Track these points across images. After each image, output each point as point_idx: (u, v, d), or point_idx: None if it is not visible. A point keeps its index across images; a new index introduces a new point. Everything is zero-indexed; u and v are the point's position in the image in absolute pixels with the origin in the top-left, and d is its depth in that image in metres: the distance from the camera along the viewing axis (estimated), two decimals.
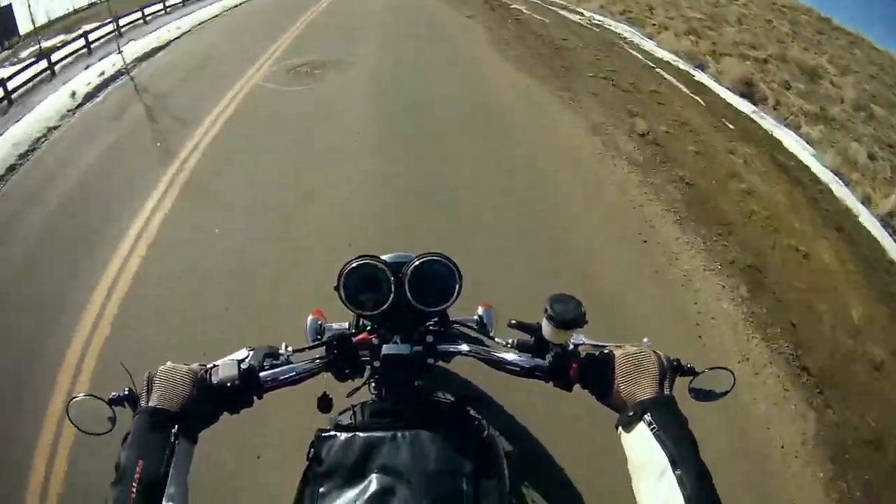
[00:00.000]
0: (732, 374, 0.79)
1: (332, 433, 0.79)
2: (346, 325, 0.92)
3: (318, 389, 0.89)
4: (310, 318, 0.91)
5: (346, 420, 0.87)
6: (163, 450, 0.67)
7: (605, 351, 0.79)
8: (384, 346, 0.85)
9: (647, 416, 0.68)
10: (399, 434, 0.76)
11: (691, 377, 0.79)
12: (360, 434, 0.77)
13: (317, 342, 0.90)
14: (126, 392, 0.75)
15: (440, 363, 0.91)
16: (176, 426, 0.70)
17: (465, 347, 0.89)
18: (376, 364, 0.86)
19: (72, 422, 0.76)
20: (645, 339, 0.80)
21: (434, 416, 0.84)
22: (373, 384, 0.92)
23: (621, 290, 3.34)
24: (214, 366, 0.81)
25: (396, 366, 0.84)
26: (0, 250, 4.27)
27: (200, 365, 0.81)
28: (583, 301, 0.79)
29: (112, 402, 0.75)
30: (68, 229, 4.45)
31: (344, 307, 0.88)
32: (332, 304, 0.96)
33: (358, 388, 0.92)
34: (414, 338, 0.87)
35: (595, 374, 0.78)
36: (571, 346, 0.81)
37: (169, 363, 0.78)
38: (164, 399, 0.73)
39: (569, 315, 0.77)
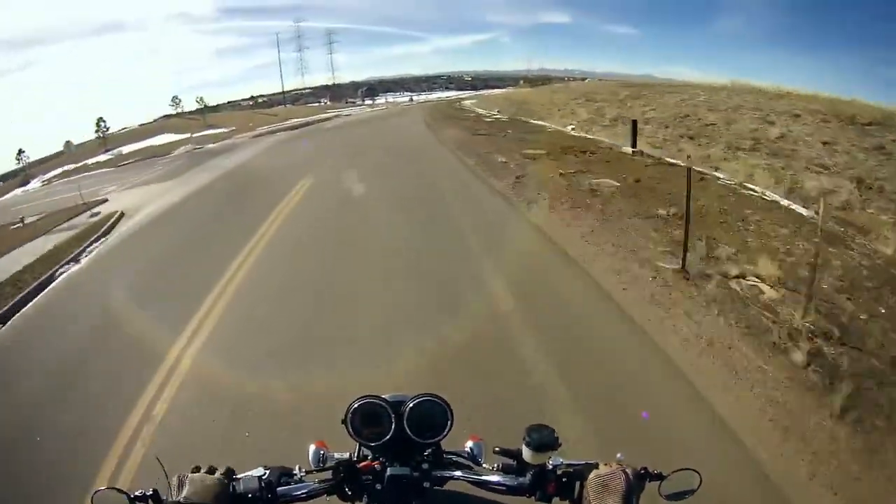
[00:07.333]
0: (698, 473, 0.89)
1: None
2: (346, 454, 1.03)
3: None
4: (312, 447, 1.01)
5: None
6: None
7: (580, 469, 0.91)
8: (389, 468, 0.97)
9: None
10: None
11: (659, 482, 0.89)
12: None
13: (322, 468, 1.01)
14: (151, 492, 0.86)
15: (436, 488, 1.01)
16: None
17: (457, 473, 1.00)
18: (378, 487, 0.97)
19: None
20: (618, 455, 0.91)
21: None
22: None
23: None
24: (238, 478, 0.94)
25: (399, 486, 0.96)
26: None
27: (225, 475, 0.93)
28: None
29: (136, 500, 0.85)
30: None
31: (348, 439, 0.99)
32: (334, 435, 1.07)
33: None
34: (411, 465, 0.98)
35: (569, 490, 0.92)
36: (551, 466, 0.94)
37: (199, 472, 0.90)
38: (193, 499, 0.85)
39: (544, 440, 0.92)
